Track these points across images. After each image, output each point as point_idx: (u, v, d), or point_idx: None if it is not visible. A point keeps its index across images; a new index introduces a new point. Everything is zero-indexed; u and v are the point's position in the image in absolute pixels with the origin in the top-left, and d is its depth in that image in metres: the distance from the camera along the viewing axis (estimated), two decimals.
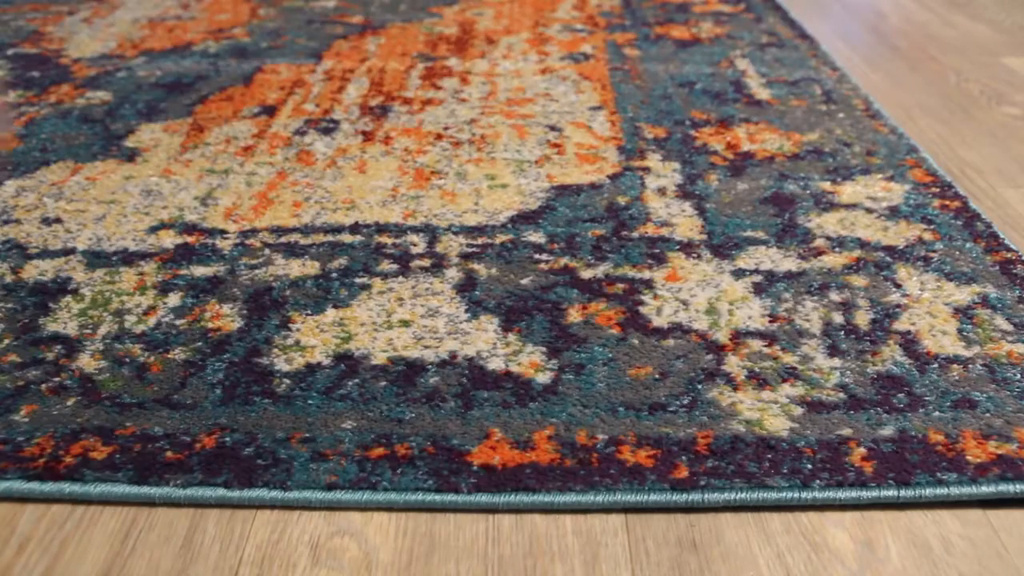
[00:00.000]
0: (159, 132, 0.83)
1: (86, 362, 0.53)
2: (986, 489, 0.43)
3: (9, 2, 1.25)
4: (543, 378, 0.51)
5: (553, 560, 0.41)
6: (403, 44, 1.07)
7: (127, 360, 0.53)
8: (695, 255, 0.62)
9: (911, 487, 0.43)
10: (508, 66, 0.99)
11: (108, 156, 0.79)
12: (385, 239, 0.65)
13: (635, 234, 0.65)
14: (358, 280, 0.60)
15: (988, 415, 0.48)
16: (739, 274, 0.60)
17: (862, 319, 0.56)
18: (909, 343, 0.53)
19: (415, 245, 0.64)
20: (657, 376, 0.51)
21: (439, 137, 0.81)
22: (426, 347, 0.54)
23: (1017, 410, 0.48)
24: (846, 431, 0.47)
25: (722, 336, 0.54)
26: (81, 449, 0.46)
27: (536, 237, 0.65)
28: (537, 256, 0.63)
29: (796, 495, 0.43)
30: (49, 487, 0.44)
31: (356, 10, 1.21)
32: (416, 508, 0.44)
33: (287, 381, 0.51)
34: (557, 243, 0.64)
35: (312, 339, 0.54)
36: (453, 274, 0.61)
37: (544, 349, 0.53)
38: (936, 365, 0.51)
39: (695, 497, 0.43)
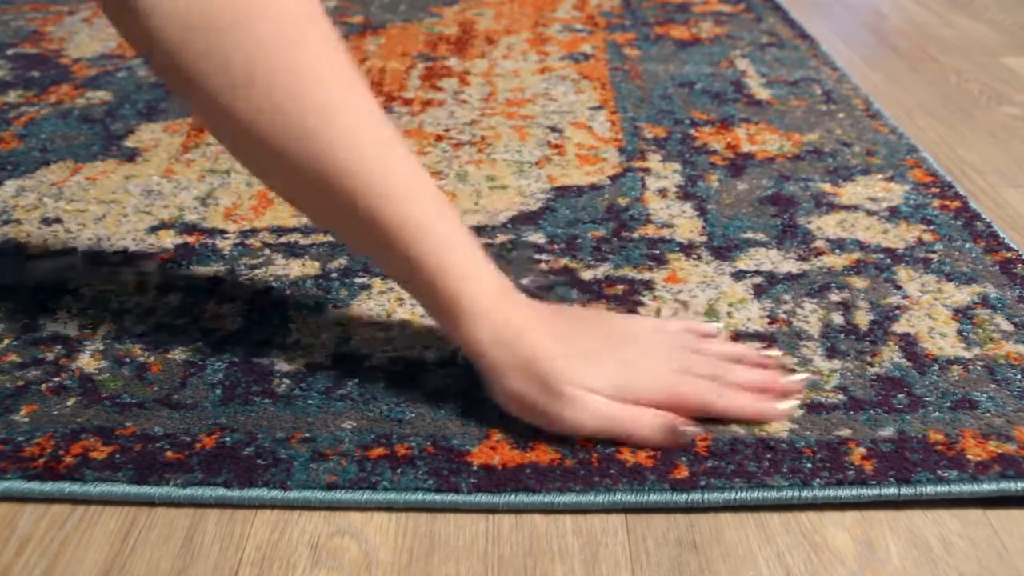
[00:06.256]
0: (159, 132, 0.83)
1: (86, 362, 0.53)
2: (987, 487, 0.43)
3: (9, 2, 1.25)
4: None
5: (553, 560, 0.41)
6: (403, 44, 1.07)
7: (127, 360, 0.53)
8: (695, 256, 0.62)
9: (912, 485, 0.43)
10: (508, 66, 0.99)
11: (108, 156, 0.79)
12: None
13: (635, 235, 0.65)
14: (358, 280, 0.60)
15: (988, 415, 0.48)
16: (739, 275, 0.60)
17: (862, 321, 0.56)
18: (909, 345, 0.53)
19: None
20: None
21: (439, 138, 0.81)
22: (426, 347, 0.54)
23: (1017, 410, 0.48)
24: (845, 432, 0.47)
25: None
26: (81, 449, 0.46)
27: (536, 238, 0.65)
28: (537, 256, 0.63)
29: (796, 494, 0.43)
30: (49, 487, 0.44)
31: (356, 10, 1.21)
32: (416, 508, 0.44)
33: (287, 381, 0.51)
34: (557, 244, 0.64)
35: (312, 339, 0.54)
36: None
37: None
38: (936, 366, 0.51)
39: (695, 497, 0.43)
